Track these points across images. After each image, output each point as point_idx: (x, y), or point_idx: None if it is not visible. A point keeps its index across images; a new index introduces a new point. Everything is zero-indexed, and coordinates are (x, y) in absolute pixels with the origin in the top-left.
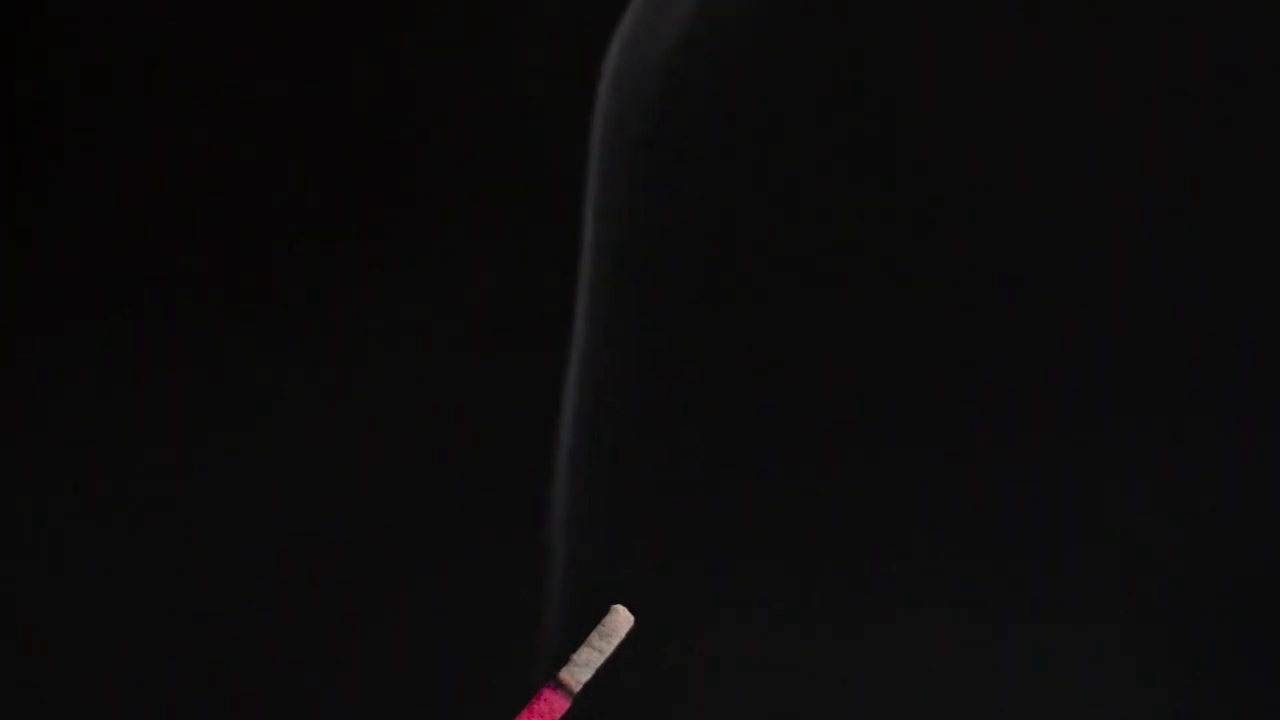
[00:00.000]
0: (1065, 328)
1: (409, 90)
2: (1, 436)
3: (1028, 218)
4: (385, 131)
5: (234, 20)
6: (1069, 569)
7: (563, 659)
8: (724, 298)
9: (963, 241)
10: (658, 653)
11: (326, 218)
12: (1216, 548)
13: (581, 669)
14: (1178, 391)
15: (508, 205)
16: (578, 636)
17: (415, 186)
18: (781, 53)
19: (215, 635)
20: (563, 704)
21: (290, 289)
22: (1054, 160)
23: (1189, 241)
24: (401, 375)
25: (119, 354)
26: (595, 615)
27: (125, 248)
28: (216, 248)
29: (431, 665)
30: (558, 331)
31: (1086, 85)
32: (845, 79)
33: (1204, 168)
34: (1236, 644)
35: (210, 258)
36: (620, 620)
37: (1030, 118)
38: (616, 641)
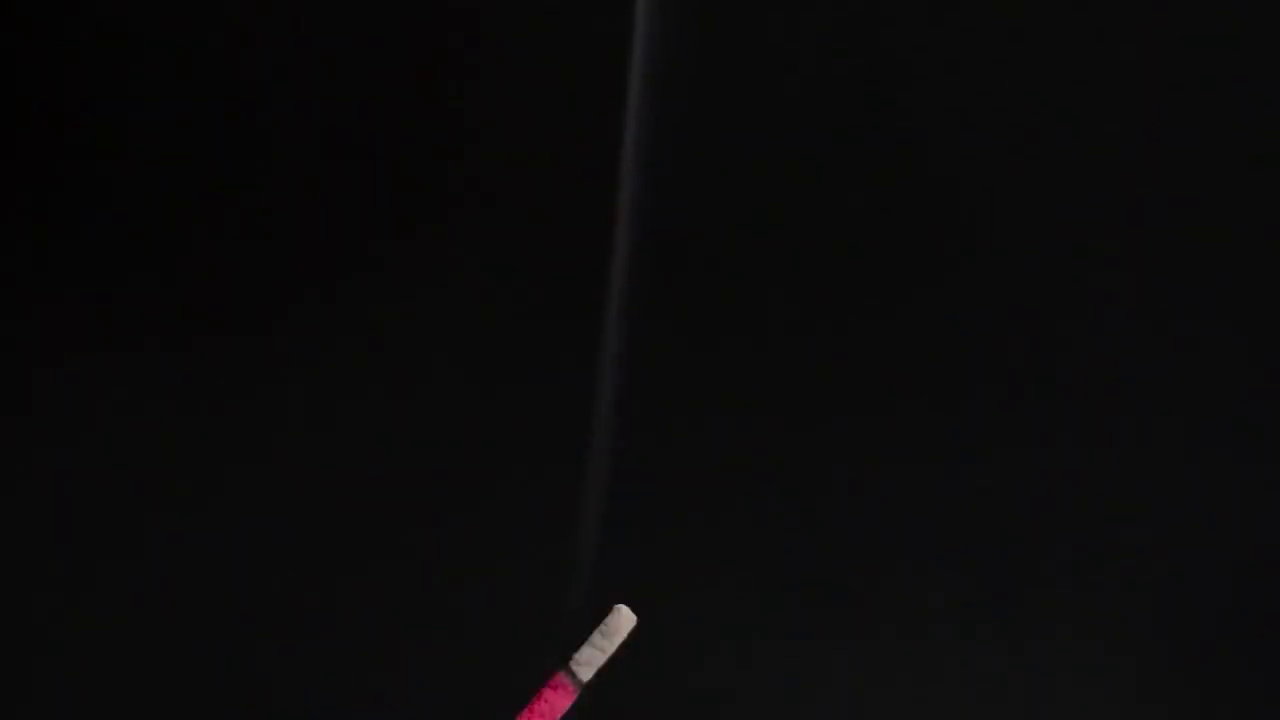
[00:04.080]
0: (1065, 336)
1: (437, 93)
2: (4, 438)
3: (1029, 221)
4: (414, 136)
5: (251, 24)
6: (1068, 572)
7: (565, 657)
8: (743, 304)
9: (967, 248)
10: (658, 653)
11: (357, 222)
12: (1215, 551)
13: (584, 667)
14: (1177, 395)
15: (539, 208)
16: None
17: (445, 188)
18: (802, 57)
19: (217, 634)
20: (565, 702)
21: (313, 293)
22: (1059, 165)
23: (1187, 247)
24: (427, 378)
25: (133, 359)
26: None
27: (143, 253)
28: (238, 252)
29: (433, 664)
30: (586, 337)
31: (1087, 88)
32: (857, 81)
33: (1208, 171)
34: (1234, 649)
35: (233, 262)
36: (622, 620)
37: (1034, 122)
38: (619, 640)
